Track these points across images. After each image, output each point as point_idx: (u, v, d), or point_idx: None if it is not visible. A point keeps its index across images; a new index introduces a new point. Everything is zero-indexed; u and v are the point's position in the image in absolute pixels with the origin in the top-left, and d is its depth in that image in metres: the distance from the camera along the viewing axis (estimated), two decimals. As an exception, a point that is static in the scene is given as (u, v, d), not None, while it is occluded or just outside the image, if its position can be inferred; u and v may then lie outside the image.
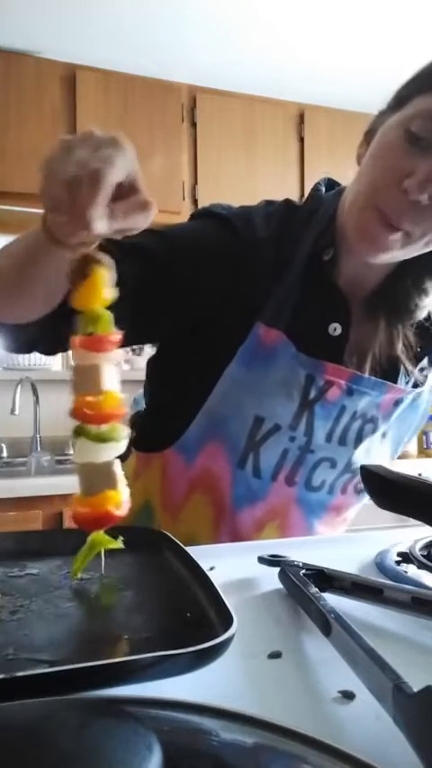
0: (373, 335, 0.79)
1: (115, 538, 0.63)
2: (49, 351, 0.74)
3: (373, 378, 0.78)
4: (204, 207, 0.81)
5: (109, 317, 0.48)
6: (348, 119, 2.94)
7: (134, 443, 0.91)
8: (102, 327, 0.48)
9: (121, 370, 0.50)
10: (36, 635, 0.41)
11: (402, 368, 0.81)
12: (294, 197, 0.77)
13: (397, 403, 0.81)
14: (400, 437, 0.88)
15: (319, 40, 2.49)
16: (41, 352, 0.74)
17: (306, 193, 0.83)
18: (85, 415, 0.47)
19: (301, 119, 2.87)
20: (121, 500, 0.49)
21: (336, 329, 0.77)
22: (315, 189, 0.81)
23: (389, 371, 0.81)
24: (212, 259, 0.74)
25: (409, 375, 0.82)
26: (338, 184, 0.83)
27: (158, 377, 0.89)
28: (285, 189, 2.81)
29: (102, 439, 0.48)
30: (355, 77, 2.74)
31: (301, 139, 2.87)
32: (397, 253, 0.70)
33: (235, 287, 0.75)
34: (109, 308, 0.49)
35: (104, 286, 0.47)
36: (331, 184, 0.83)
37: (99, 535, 0.49)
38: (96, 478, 0.48)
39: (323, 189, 0.81)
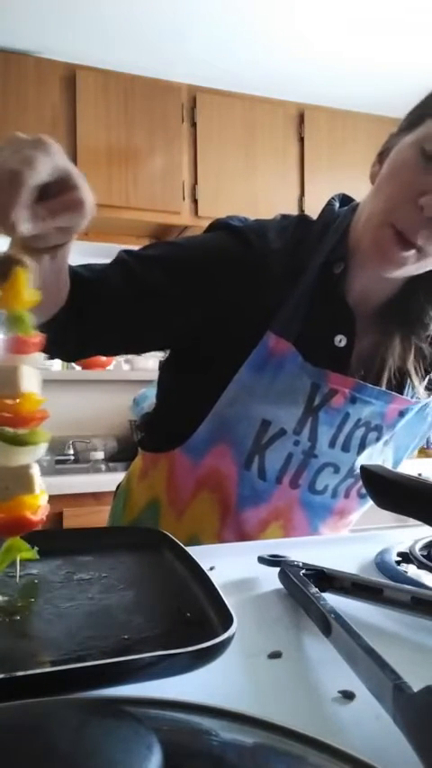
0: (382, 348, 0.81)
1: (115, 537, 0.63)
2: (66, 356, 0.78)
3: (377, 387, 0.79)
4: (220, 219, 0.83)
5: (29, 318, 0.47)
6: (348, 119, 2.95)
7: (141, 443, 0.94)
8: (22, 329, 0.47)
9: (42, 371, 0.48)
10: (36, 635, 0.41)
11: (409, 381, 0.83)
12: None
13: (402, 413, 0.83)
14: (406, 445, 0.90)
15: (320, 40, 2.49)
16: (60, 358, 0.77)
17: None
18: (1, 417, 0.46)
19: (301, 119, 2.87)
20: (37, 505, 0.47)
21: (341, 340, 0.78)
22: (329, 204, 0.83)
23: (395, 383, 0.82)
24: (225, 269, 0.76)
25: (414, 389, 0.83)
26: (352, 200, 0.85)
27: (169, 380, 0.91)
28: (285, 189, 2.82)
29: (18, 442, 0.47)
30: (355, 77, 2.74)
31: (301, 139, 2.87)
32: (410, 268, 0.72)
33: (247, 297, 0.76)
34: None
35: (25, 288, 0.46)
36: (345, 200, 0.85)
37: (17, 541, 0.48)
38: (12, 482, 0.47)
39: (337, 204, 0.83)
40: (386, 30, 2.44)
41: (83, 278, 0.70)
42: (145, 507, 0.88)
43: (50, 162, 0.46)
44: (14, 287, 0.46)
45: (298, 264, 0.77)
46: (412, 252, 0.70)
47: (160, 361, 3.01)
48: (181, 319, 0.78)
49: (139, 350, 0.89)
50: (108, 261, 0.76)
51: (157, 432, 0.91)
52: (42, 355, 0.49)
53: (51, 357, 0.78)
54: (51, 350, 0.73)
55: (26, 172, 0.44)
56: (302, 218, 0.83)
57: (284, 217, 0.84)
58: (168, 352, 0.92)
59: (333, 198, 0.84)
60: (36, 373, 0.48)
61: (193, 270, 0.76)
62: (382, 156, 0.75)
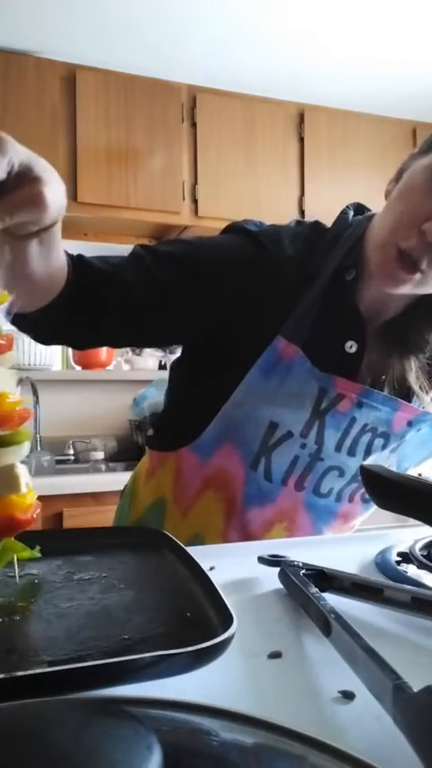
0: (384, 362, 0.82)
1: (115, 537, 0.63)
2: (75, 344, 0.78)
3: (384, 394, 0.80)
4: (236, 222, 0.83)
5: None
6: (348, 119, 2.95)
7: (148, 442, 0.95)
8: None
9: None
10: (36, 635, 0.41)
11: (417, 396, 0.83)
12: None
13: (411, 423, 0.83)
14: (413, 457, 0.90)
15: (320, 39, 2.49)
16: (69, 345, 0.78)
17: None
18: None
19: (301, 119, 2.87)
20: (26, 504, 0.47)
21: (352, 346, 0.79)
22: (343, 212, 0.83)
23: (403, 394, 0.83)
24: (237, 271, 0.77)
25: (421, 402, 0.84)
26: (367, 209, 0.86)
27: (180, 380, 0.92)
28: (285, 189, 2.82)
29: (0, 443, 0.47)
30: (355, 77, 2.74)
31: (301, 139, 2.87)
32: (413, 288, 0.74)
33: (258, 300, 0.77)
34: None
35: None
36: (359, 209, 0.86)
37: (11, 541, 0.48)
38: None
39: (351, 213, 0.84)
40: (386, 29, 2.43)
41: (97, 269, 0.71)
42: (150, 506, 0.89)
43: (4, 160, 0.45)
44: None
45: (310, 271, 0.78)
46: (416, 275, 0.71)
47: (160, 361, 2.99)
48: (192, 317, 0.79)
49: (148, 344, 0.89)
50: (98, 255, 0.76)
51: (166, 430, 0.92)
52: (15, 354, 0.49)
53: (56, 343, 0.79)
54: (57, 336, 0.74)
55: None
56: (316, 224, 0.84)
57: (299, 223, 0.85)
58: (180, 352, 0.93)
59: (348, 206, 0.85)
60: (10, 373, 0.48)
61: (207, 270, 0.77)
62: (398, 175, 0.76)
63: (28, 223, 0.50)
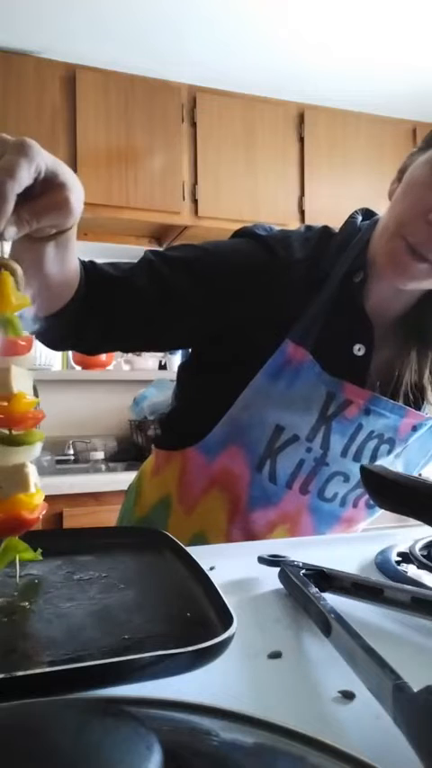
0: (399, 361, 0.82)
1: (115, 537, 0.63)
2: (86, 349, 0.78)
3: (392, 401, 0.80)
4: (246, 226, 0.84)
5: (18, 320, 0.47)
6: (348, 119, 2.95)
7: (155, 441, 0.96)
8: (11, 331, 0.47)
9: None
10: (36, 635, 0.41)
11: (427, 396, 0.83)
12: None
13: (415, 428, 0.83)
14: (417, 461, 0.90)
15: (320, 40, 2.49)
16: (79, 351, 0.78)
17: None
18: None
19: (301, 119, 2.87)
20: (34, 504, 0.47)
21: (360, 349, 0.79)
22: (351, 217, 0.84)
23: (412, 398, 0.83)
24: (248, 276, 0.77)
25: (430, 404, 0.84)
26: (374, 214, 0.86)
27: (188, 381, 0.92)
28: (285, 189, 2.82)
29: (13, 442, 0.47)
30: (356, 77, 2.74)
31: (301, 139, 2.87)
32: (424, 282, 0.74)
33: (267, 303, 0.77)
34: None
35: (12, 291, 0.46)
36: (368, 214, 0.86)
37: (14, 541, 0.48)
38: (6, 482, 0.47)
39: (359, 218, 0.84)
40: (386, 30, 2.43)
41: (109, 275, 0.71)
42: (155, 503, 0.90)
43: (33, 165, 0.46)
44: (2, 290, 0.46)
45: (319, 275, 0.78)
46: (425, 265, 0.71)
47: (160, 361, 2.99)
48: (201, 321, 0.79)
49: (158, 348, 0.89)
50: (109, 261, 0.76)
51: (173, 430, 0.93)
52: (33, 356, 0.49)
53: (65, 349, 0.79)
54: (67, 341, 0.74)
55: (8, 182, 0.44)
56: (326, 229, 0.84)
57: (308, 228, 0.85)
58: (189, 353, 0.93)
59: (356, 212, 0.85)
60: (28, 374, 0.48)
61: (217, 275, 0.77)
62: (400, 174, 0.77)
63: (49, 226, 0.51)
